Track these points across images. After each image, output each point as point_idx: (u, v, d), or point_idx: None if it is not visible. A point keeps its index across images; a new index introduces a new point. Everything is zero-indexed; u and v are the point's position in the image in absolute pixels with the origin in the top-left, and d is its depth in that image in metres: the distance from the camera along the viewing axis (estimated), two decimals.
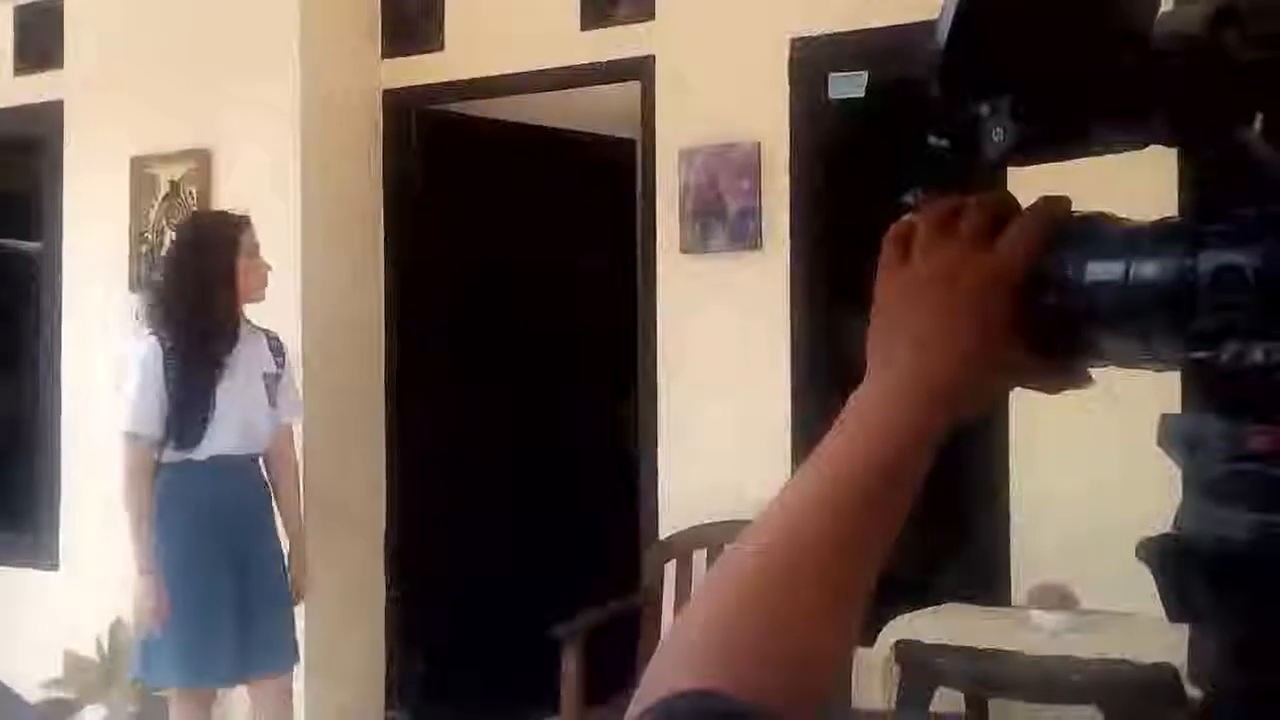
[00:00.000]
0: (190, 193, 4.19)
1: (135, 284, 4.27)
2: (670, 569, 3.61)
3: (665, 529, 3.72)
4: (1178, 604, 0.55)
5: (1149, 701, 2.27)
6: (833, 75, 3.53)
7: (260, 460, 3.32)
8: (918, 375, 0.61)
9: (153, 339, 3.17)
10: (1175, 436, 0.57)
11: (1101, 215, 0.61)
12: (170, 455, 3.13)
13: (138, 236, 4.28)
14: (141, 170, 4.28)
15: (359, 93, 4.23)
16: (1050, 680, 2.50)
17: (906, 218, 0.65)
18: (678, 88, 3.78)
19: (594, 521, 4.40)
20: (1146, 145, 0.59)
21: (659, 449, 3.81)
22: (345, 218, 4.11)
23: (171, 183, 4.24)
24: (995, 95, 0.59)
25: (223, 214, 3.49)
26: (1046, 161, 0.62)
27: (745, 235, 3.61)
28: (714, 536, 3.56)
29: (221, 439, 3.14)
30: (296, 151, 4.00)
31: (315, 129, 4.04)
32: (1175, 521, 0.57)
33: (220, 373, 3.14)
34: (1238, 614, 0.54)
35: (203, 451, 3.12)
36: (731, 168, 3.63)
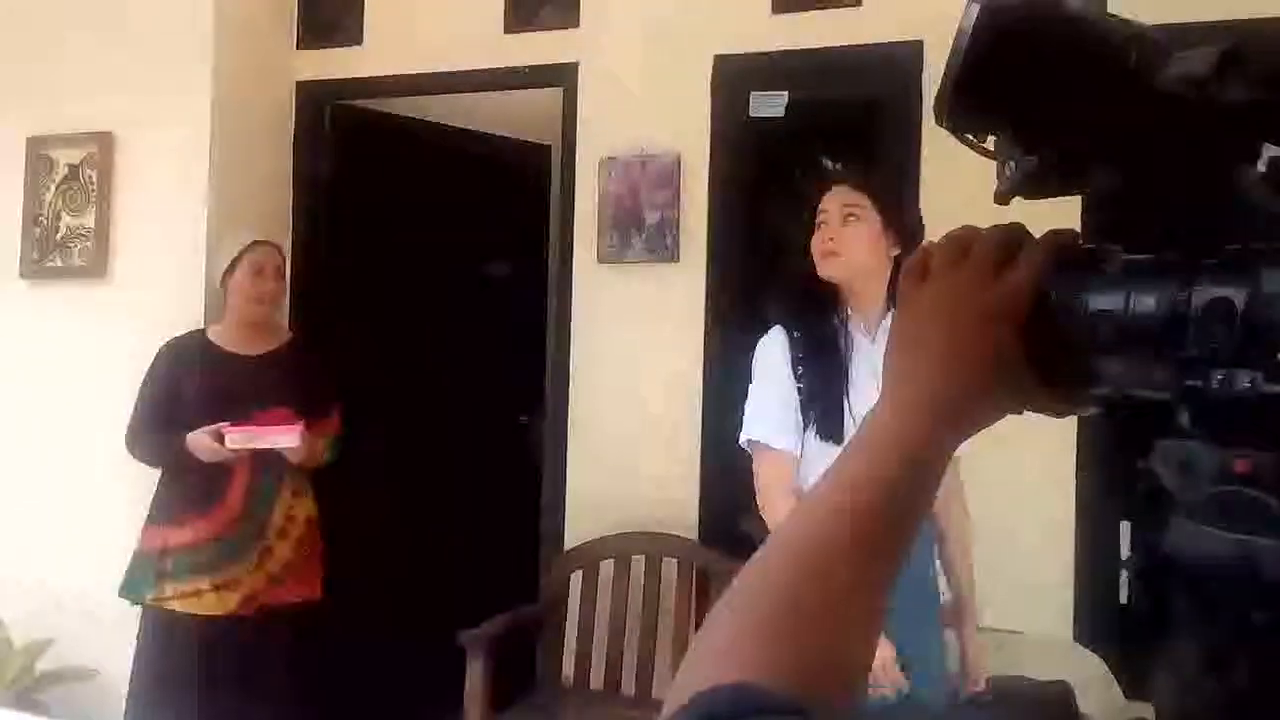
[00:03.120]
0: (90, 177, 4.05)
1: (27, 271, 4.11)
2: (576, 578, 3.61)
3: (571, 538, 3.72)
4: (1156, 616, 0.58)
5: (1045, 717, 2.34)
6: (754, 94, 3.59)
7: None
8: (928, 397, 0.64)
9: (779, 326, 2.52)
10: (1168, 459, 0.60)
11: (1104, 248, 0.64)
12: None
13: (31, 220, 4.12)
14: (37, 151, 4.12)
15: (272, 82, 4.14)
16: (951, 695, 2.56)
17: (922, 246, 0.68)
18: (600, 96, 3.79)
19: (495, 528, 4.37)
20: (1147, 183, 0.62)
21: (567, 457, 3.81)
22: (254, 210, 4.01)
23: (70, 166, 4.08)
24: (1000, 130, 0.62)
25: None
26: (1051, 196, 0.65)
27: (663, 246, 3.64)
28: (622, 547, 3.57)
29: None
30: (205, 139, 3.90)
31: (226, 117, 3.94)
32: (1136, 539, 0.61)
33: (842, 365, 2.41)
34: (1215, 626, 0.57)
35: None
36: (651, 179, 3.65)
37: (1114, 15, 0.59)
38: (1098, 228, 0.66)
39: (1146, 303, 0.59)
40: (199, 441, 3.17)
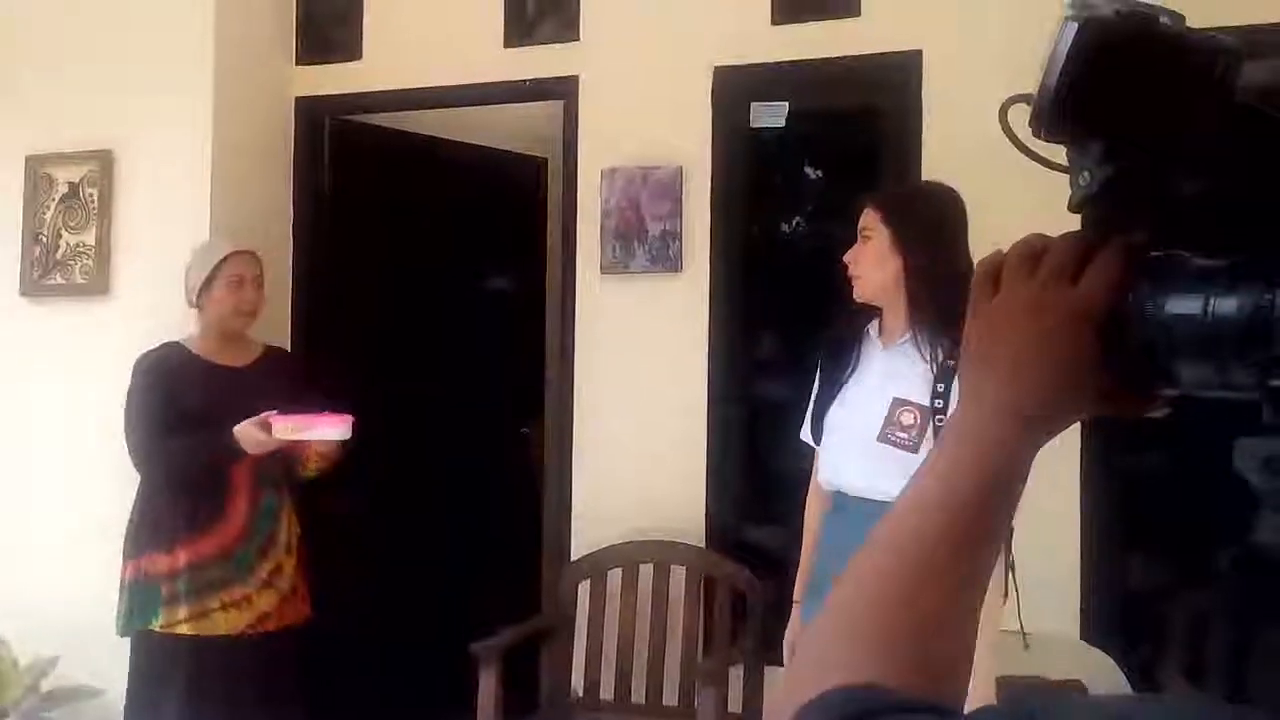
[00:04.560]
0: (90, 195, 4.05)
1: (28, 289, 4.11)
2: (584, 587, 3.62)
3: (579, 548, 3.73)
4: (1251, 609, 0.60)
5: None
6: (755, 104, 3.62)
7: None
8: (1007, 403, 0.66)
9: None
10: (1251, 458, 0.62)
11: (1177, 253, 0.66)
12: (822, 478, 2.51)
13: (32, 238, 4.11)
14: (37, 169, 4.12)
15: (271, 98, 4.14)
16: None
17: (993, 252, 0.69)
18: (601, 109, 3.80)
19: (497, 539, 4.38)
20: (1224, 195, 0.64)
21: (573, 467, 3.82)
22: (255, 227, 4.01)
23: (70, 184, 4.08)
24: (1090, 141, 0.64)
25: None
26: (1120, 208, 0.67)
27: (665, 257, 3.66)
28: (630, 555, 3.58)
29: (836, 468, 2.42)
30: (205, 156, 3.90)
31: (225, 133, 3.94)
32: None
33: (842, 375, 2.46)
34: None
35: (829, 480, 2.46)
36: (653, 190, 3.67)
37: (1198, 30, 0.62)
38: (1166, 234, 0.68)
39: (1228, 305, 0.61)
40: (246, 432, 3.02)
